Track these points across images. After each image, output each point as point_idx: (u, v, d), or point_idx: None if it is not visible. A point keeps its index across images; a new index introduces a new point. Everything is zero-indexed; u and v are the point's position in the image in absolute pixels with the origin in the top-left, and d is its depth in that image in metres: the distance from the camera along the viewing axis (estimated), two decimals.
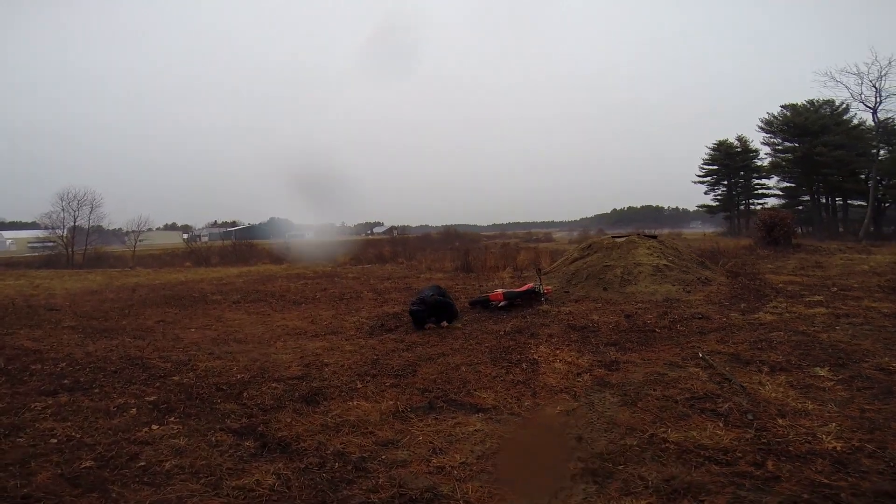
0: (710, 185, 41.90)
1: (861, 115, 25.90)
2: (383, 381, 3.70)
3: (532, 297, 7.38)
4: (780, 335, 5.22)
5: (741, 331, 5.52)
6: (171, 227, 73.26)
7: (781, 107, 29.67)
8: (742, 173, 39.42)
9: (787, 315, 6.26)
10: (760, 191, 39.71)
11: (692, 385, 3.68)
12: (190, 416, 3.09)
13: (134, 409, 3.25)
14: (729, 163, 37.37)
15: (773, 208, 23.16)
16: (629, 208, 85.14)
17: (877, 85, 20.97)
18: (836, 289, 8.11)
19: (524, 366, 4.22)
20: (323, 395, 3.37)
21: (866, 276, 10.04)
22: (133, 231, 23.63)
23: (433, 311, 5.59)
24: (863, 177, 27.42)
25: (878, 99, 21.36)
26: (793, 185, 33.59)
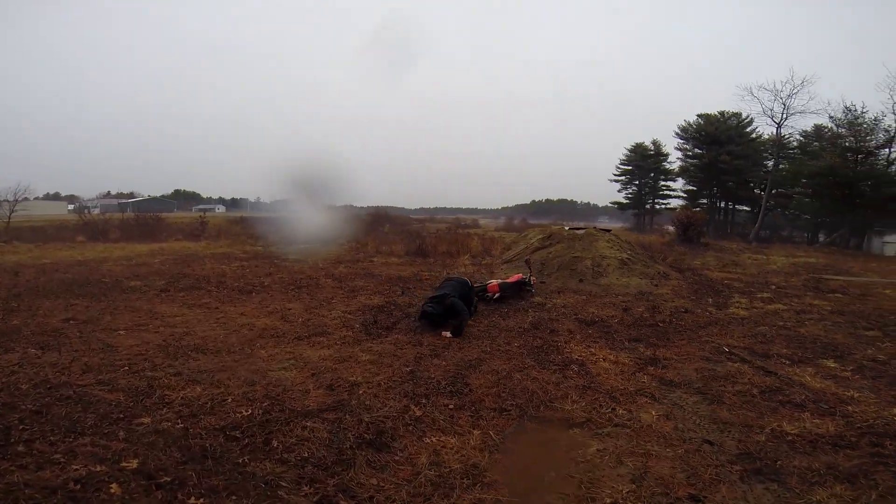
0: (624, 184, 46.30)
1: (760, 129, 30.61)
2: (442, 403, 3.14)
3: (521, 288, 7.29)
4: (766, 329, 5.79)
5: (731, 325, 6.01)
6: (54, 198, 60.89)
7: (697, 115, 33.84)
8: (652, 175, 44.16)
9: (755, 310, 7.00)
10: (666, 192, 45.22)
11: (750, 379, 3.90)
12: (218, 495, 2.02)
13: (113, 489, 1.97)
14: (642, 164, 41.55)
15: (688, 208, 26.25)
16: (547, 200, 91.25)
17: (786, 102, 24.66)
18: (774, 287, 9.32)
19: (574, 367, 4.05)
20: (387, 434, 2.66)
21: (780, 275, 11.80)
22: (6, 200, 18.23)
23: (448, 315, 4.95)
24: (752, 185, 32.49)
25: (784, 115, 25.18)
26: (695, 188, 38.48)
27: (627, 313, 6.40)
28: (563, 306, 6.71)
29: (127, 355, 3.82)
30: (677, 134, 35.57)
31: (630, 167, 42.54)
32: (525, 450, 2.60)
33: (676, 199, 44.75)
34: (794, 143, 29.30)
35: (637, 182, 44.93)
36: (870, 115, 22.07)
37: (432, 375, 3.57)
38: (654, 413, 3.14)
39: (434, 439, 2.63)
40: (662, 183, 44.19)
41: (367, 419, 2.74)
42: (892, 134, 20.65)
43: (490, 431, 2.75)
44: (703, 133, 32.78)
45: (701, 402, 3.43)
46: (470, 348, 4.40)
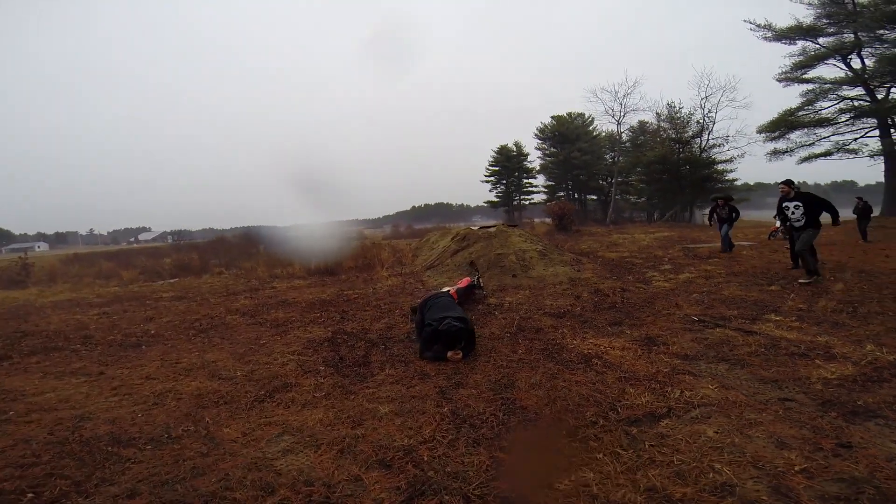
0: (494, 184, 49.90)
1: (600, 126, 35.85)
2: (523, 439, 2.54)
3: (472, 291, 6.95)
4: (699, 296, 6.44)
5: (669, 297, 6.55)
6: None
7: (551, 117, 38.11)
8: (516, 173, 48.49)
9: (673, 281, 7.84)
10: (529, 188, 50.12)
11: (744, 340, 4.25)
12: None
13: None
14: (508, 164, 45.28)
15: (561, 201, 29.28)
16: (425, 205, 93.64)
17: (622, 101, 29.15)
18: (667, 260, 10.69)
19: (596, 361, 3.82)
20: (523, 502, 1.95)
21: (657, 249, 13.74)
22: None
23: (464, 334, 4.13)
24: (598, 177, 37.95)
25: (622, 113, 29.75)
26: (553, 183, 43.39)
27: (580, 300, 6.52)
28: (519, 303, 6.54)
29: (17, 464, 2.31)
30: (536, 135, 39.63)
31: (498, 168, 45.87)
32: (665, 455, 2.26)
33: (538, 195, 50.27)
34: (626, 138, 35.22)
35: (504, 181, 48.77)
36: (685, 110, 27.65)
37: (478, 409, 2.91)
38: (711, 388, 3.13)
39: (569, 482, 2.06)
40: (526, 180, 48.89)
41: (476, 492, 1.99)
42: (703, 125, 26.20)
43: (616, 449, 2.30)
44: (556, 133, 37.13)
45: (732, 368, 3.55)
46: (480, 366, 3.82)
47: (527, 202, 51.92)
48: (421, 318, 4.55)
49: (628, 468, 2.16)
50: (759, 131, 21.26)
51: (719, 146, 26.66)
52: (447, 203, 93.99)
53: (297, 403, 3.14)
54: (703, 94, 27.86)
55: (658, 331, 4.74)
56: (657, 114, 29.59)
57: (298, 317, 6.45)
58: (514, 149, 43.93)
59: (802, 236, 7.04)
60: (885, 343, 4.01)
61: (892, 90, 17.60)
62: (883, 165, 18.20)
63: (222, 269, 13.31)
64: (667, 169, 27.52)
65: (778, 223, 13.36)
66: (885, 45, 15.71)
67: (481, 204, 57.18)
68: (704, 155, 27.05)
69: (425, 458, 2.26)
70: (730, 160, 26.79)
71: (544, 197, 46.67)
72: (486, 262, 9.66)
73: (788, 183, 7.33)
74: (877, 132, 18.15)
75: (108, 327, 6.19)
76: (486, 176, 46.59)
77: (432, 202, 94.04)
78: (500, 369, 3.64)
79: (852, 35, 17.18)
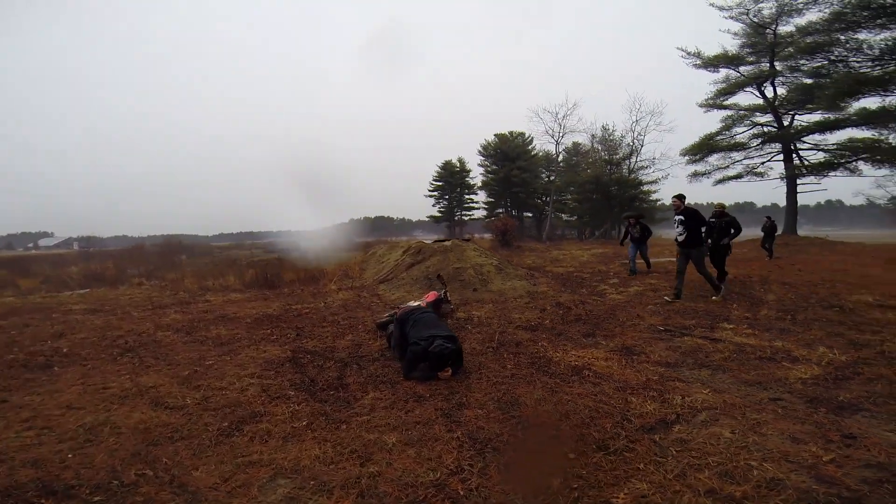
0: (437, 199, 50.32)
1: (538, 146, 37.61)
2: (557, 455, 2.37)
3: (439, 305, 6.69)
4: (655, 307, 6.76)
5: (629, 307, 6.81)
6: None
7: (495, 135, 39.32)
8: (458, 189, 49.33)
9: (625, 294, 8.19)
10: (470, 204, 51.19)
11: (714, 347, 4.48)
12: None
13: None
14: (451, 180, 45.95)
15: (505, 217, 30.05)
16: (365, 218, 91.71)
17: (562, 122, 30.72)
18: (612, 274, 11.22)
19: (587, 373, 3.79)
20: None
21: (598, 264, 14.45)
22: None
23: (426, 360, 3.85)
24: (535, 195, 39.64)
25: (561, 133, 31.33)
26: (493, 200, 44.62)
27: (546, 313, 6.55)
28: (488, 317, 6.43)
29: None
30: (480, 152, 40.68)
31: (441, 183, 46.33)
32: (700, 458, 2.27)
33: (479, 211, 51.50)
34: (561, 158, 37.33)
35: (447, 196, 49.35)
36: (618, 133, 29.87)
37: (494, 430, 2.69)
38: (705, 392, 3.24)
39: (625, 496, 1.98)
40: (467, 196, 49.87)
41: None
42: (632, 147, 28.46)
43: (654, 458, 2.27)
44: (498, 150, 38.38)
45: (714, 373, 3.72)
46: (474, 384, 3.60)
47: (467, 217, 52.95)
48: (401, 335, 4.22)
49: (677, 474, 2.14)
50: (683, 154, 23.59)
51: (646, 168, 29.19)
52: (388, 216, 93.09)
53: (274, 436, 2.69)
54: (633, 118, 30.48)
55: (631, 341, 4.84)
56: (592, 135, 31.74)
57: (245, 334, 5.79)
58: (458, 165, 44.72)
59: (694, 257, 7.15)
60: (832, 345, 4.41)
61: (797, 117, 20.47)
62: (786, 188, 20.98)
63: (142, 280, 11.87)
64: (599, 189, 29.47)
65: None
66: (797, 75, 18.36)
67: (423, 218, 57.26)
68: (633, 176, 29.41)
69: (461, 493, 1.99)
70: (655, 181, 29.39)
71: (484, 213, 47.94)
72: (446, 277, 9.48)
73: (680, 197, 7.31)
74: (781, 156, 20.94)
75: (5, 344, 5.14)
76: (429, 191, 46.82)
77: (372, 215, 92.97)
78: (497, 386, 3.45)
79: (768, 65, 19.82)
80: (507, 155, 37.67)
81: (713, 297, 7.13)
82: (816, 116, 18.72)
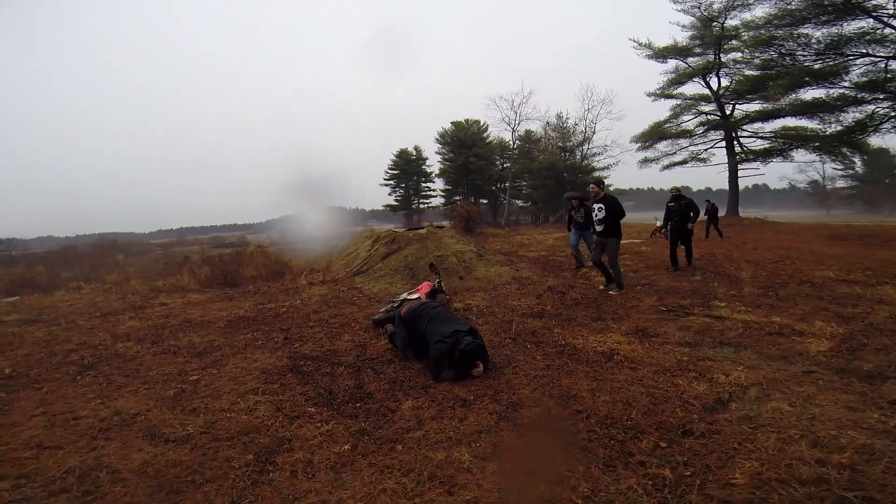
0: (393, 188, 49.38)
1: (493, 133, 37.77)
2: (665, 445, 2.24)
3: (435, 296, 6.41)
4: (643, 288, 6.88)
5: (621, 289, 6.85)
6: None
7: (451, 123, 38.90)
8: (415, 177, 48.67)
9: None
10: (427, 192, 50.72)
11: (723, 325, 4.59)
12: None
13: None
14: (408, 168, 45.19)
15: (467, 204, 29.95)
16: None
17: (517, 110, 30.90)
18: (586, 258, 11.38)
19: (616, 358, 3.71)
20: None
21: (564, 247, 14.69)
22: None
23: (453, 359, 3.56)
24: (491, 182, 39.93)
25: (517, 121, 31.51)
26: (450, 187, 44.42)
27: (543, 299, 6.47)
28: (487, 306, 6.24)
29: None
30: (437, 140, 40.22)
31: (397, 171, 45.45)
32: (781, 432, 2.29)
33: (436, 199, 51.20)
34: (514, 145, 37.78)
35: (404, 185, 48.54)
36: (571, 121, 30.59)
37: (573, 428, 2.52)
38: (740, 369, 3.28)
39: (742, 475, 1.93)
40: (424, 184, 49.32)
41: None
42: (585, 135, 29.28)
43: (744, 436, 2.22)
44: (455, 138, 38.11)
45: (738, 349, 3.81)
46: (512, 379, 3.38)
47: (424, 206, 52.46)
48: (411, 333, 3.94)
49: (777, 449, 2.15)
50: (634, 141, 24.61)
51: (598, 154, 30.18)
52: (341, 207, 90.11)
53: (320, 467, 2.30)
54: (586, 107, 31.36)
55: (640, 323, 4.85)
56: (547, 123, 32.28)
57: (223, 340, 5.21)
58: (414, 153, 44.00)
59: (609, 248, 6.61)
60: (824, 319, 4.63)
61: (737, 107, 21.95)
62: (728, 172, 22.48)
63: (81, 284, 10.58)
64: (554, 175, 30.14)
65: (659, 223, 15.38)
66: (740, 66, 19.65)
67: (378, 207, 56.08)
68: (585, 162, 30.34)
69: (581, 502, 1.76)
70: (607, 167, 30.47)
71: (441, 201, 47.71)
72: (427, 265, 9.18)
73: (599, 183, 6.91)
74: (723, 143, 22.38)
75: None
76: (385, 179, 45.81)
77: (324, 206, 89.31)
78: (538, 379, 3.27)
79: (714, 57, 20.97)
80: (464, 142, 37.52)
81: (606, 289, 6.73)
82: (756, 106, 20.19)
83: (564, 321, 5.09)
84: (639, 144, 24.57)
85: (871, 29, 12.91)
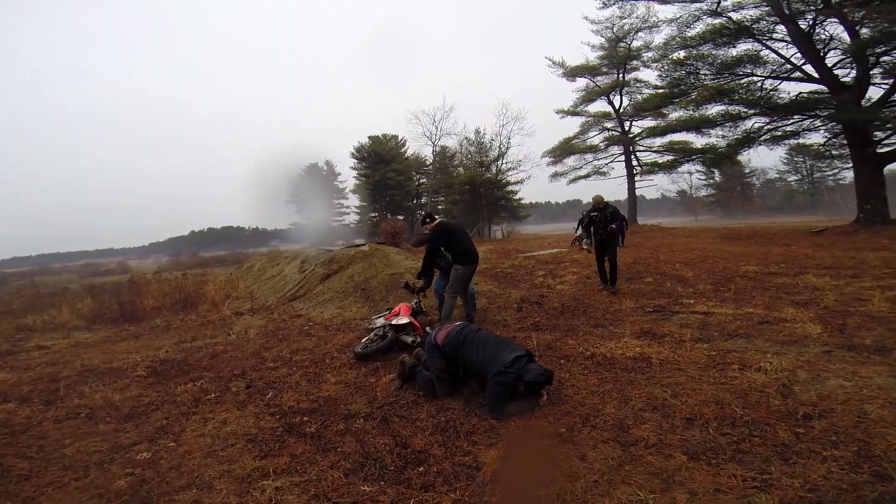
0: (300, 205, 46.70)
1: (412, 149, 37.81)
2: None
3: (415, 316, 5.80)
4: (607, 293, 7.05)
5: (588, 296, 6.99)
6: None
7: (369, 137, 37.91)
8: (325, 194, 46.65)
9: (569, 283, 8.47)
10: (340, 209, 48.88)
11: (714, 319, 4.81)
12: None
13: None
14: (317, 184, 43.14)
15: (393, 220, 29.27)
16: (210, 230, 79.53)
17: (439, 125, 31.15)
18: (530, 268, 11.62)
19: (654, 362, 3.59)
20: None
21: (500, 259, 14.92)
22: None
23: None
24: (409, 197, 39.80)
25: (438, 135, 31.75)
26: (365, 204, 43.22)
27: (525, 311, 6.28)
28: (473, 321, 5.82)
29: None
30: (353, 154, 38.98)
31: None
32: (871, 408, 2.16)
33: (350, 215, 49.51)
34: (429, 161, 38.24)
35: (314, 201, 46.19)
36: (488, 136, 31.77)
37: (704, 443, 2.27)
38: (770, 356, 3.41)
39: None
40: (337, 201, 47.45)
41: None
42: (501, 150, 30.53)
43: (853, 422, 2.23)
44: (373, 153, 37.32)
45: (749, 339, 4.02)
46: (575, 398, 3.03)
47: (337, 223, 50.44)
48: (448, 364, 3.34)
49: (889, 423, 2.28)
50: (545, 155, 26.36)
51: (513, 169, 31.72)
52: (238, 227, 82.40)
53: None
54: (501, 122, 32.85)
55: (641, 325, 4.86)
56: (466, 138, 33.17)
57: (157, 395, 4.09)
58: (325, 168, 42.16)
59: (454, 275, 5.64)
60: (787, 306, 5.05)
61: (635, 123, 24.88)
62: (626, 184, 25.10)
63: None
64: (472, 190, 31.00)
65: (578, 233, 16.28)
66: (639, 86, 22.02)
67: (285, 227, 52.51)
68: (501, 177, 31.70)
69: None
70: (520, 181, 32.16)
71: (356, 217, 46.21)
72: (382, 285, 8.50)
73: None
74: (623, 158, 24.95)
75: None
76: (292, 196, 43.07)
77: (218, 226, 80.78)
78: (607, 395, 3.01)
79: (620, 76, 23.28)
80: (382, 157, 36.91)
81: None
82: (650, 122, 22.97)
83: (569, 332, 4.90)
84: (550, 159, 26.35)
85: (755, 51, 15.50)
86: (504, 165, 31.49)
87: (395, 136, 38.11)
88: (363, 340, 4.95)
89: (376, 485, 2.21)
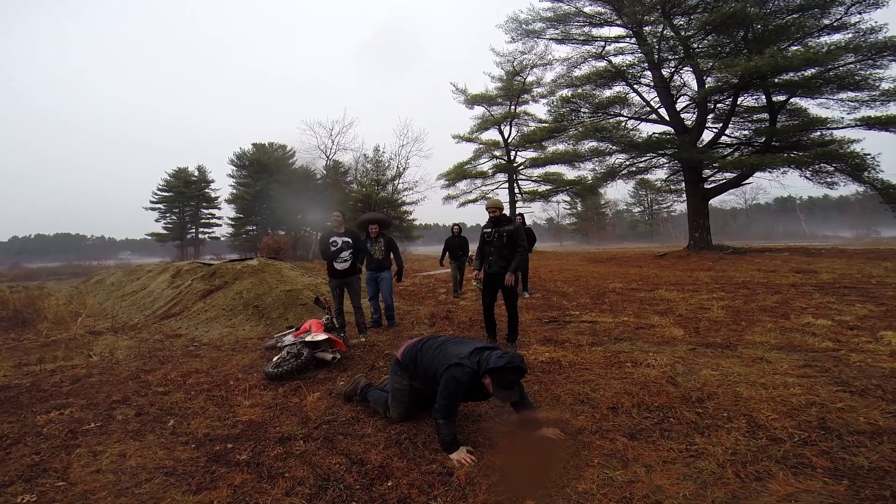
0: (163, 213, 40.91)
1: (302, 161, 35.85)
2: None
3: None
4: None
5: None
6: None
7: (252, 144, 34.74)
8: (193, 203, 41.55)
9: (471, 300, 8.93)
10: (210, 220, 43.75)
11: (615, 323, 5.46)
12: None
13: None
14: (185, 191, 38.28)
15: (276, 235, 27.08)
16: (39, 236, 63.74)
17: (335, 139, 30.07)
18: (430, 286, 11.91)
19: (565, 363, 4.00)
20: None
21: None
22: None
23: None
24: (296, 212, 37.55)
25: (333, 149, 30.61)
26: (242, 216, 39.52)
27: (436, 325, 6.46)
28: (390, 340, 5.73)
29: None
30: (232, 161, 35.40)
31: (171, 194, 37.89)
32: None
33: (222, 227, 44.62)
34: (319, 176, 36.80)
35: (178, 210, 40.75)
36: (387, 155, 31.80)
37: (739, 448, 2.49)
38: (652, 355, 3.94)
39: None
40: (207, 211, 42.46)
41: None
42: (399, 170, 30.77)
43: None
44: (256, 162, 34.45)
45: (633, 342, 4.71)
46: (505, 405, 3.19)
47: (206, 235, 45.01)
48: (412, 379, 2.95)
49: (761, 393, 2.92)
50: (439, 178, 27.51)
51: (409, 189, 32.23)
52: (78, 234, 67.71)
53: None
54: (401, 142, 33.24)
55: (543, 333, 5.40)
56: (364, 155, 32.72)
57: (14, 428, 3.27)
58: (196, 174, 37.57)
59: (354, 288, 5.90)
60: (652, 314, 6.06)
61: (519, 154, 27.36)
62: (509, 210, 27.42)
63: None
64: (367, 207, 30.69)
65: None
66: (526, 119, 24.30)
67: (137, 237, 45.13)
68: (397, 196, 31.98)
69: None
70: (415, 202, 32.80)
71: (230, 230, 41.83)
72: (278, 302, 7.90)
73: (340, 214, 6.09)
74: (507, 185, 27.30)
75: None
76: (152, 202, 37.40)
77: (50, 233, 65.06)
78: (539, 394, 3.21)
79: (512, 107, 25.37)
80: (267, 167, 34.30)
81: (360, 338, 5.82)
82: (531, 153, 25.71)
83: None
84: (444, 182, 27.59)
85: (624, 93, 18.46)
86: (401, 185, 31.90)
87: (284, 146, 35.91)
88: (274, 360, 4.56)
89: None
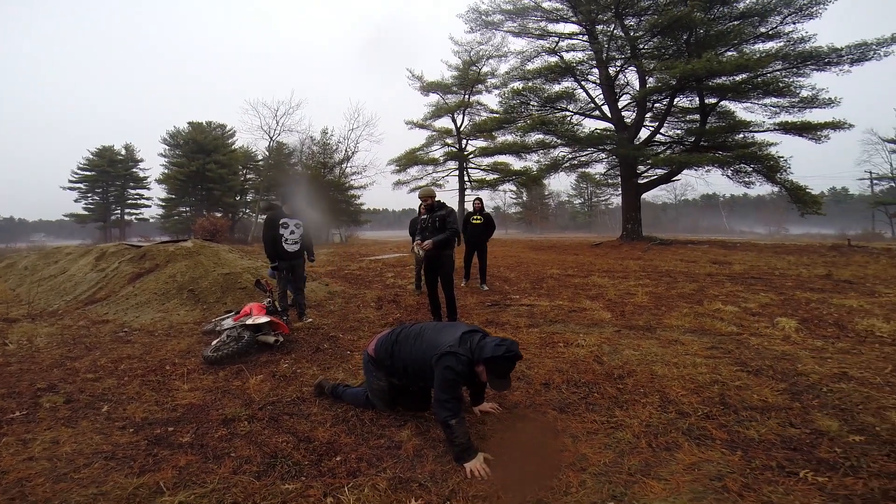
0: (83, 193, 37.11)
1: (243, 142, 33.78)
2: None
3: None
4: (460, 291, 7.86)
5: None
6: None
7: (188, 123, 32.00)
8: (119, 183, 38.07)
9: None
10: (137, 201, 40.25)
11: (543, 309, 5.74)
12: None
13: None
14: (110, 170, 34.89)
15: (213, 216, 25.32)
16: None
17: (280, 120, 28.54)
18: (379, 271, 11.89)
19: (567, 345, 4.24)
20: None
21: (344, 262, 14.84)
22: None
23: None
24: (232, 192, 35.52)
25: (278, 130, 29.05)
26: (174, 196, 36.72)
27: (383, 308, 6.54)
28: (337, 324, 5.69)
29: None
30: (164, 140, 32.55)
31: (93, 173, 34.35)
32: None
33: (150, 209, 41.24)
34: (268, 157, 35.03)
35: (101, 190, 37.08)
36: (335, 138, 30.73)
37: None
38: (582, 336, 4.31)
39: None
40: (135, 191, 38.98)
41: None
42: (347, 154, 29.90)
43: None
44: (191, 140, 31.96)
45: (565, 324, 4.95)
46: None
47: (133, 217, 41.38)
48: (388, 375, 2.75)
49: (674, 371, 3.11)
50: (390, 163, 27.19)
51: (357, 174, 31.52)
52: None
53: None
54: (351, 126, 32.20)
55: (485, 316, 5.68)
56: (311, 137, 31.40)
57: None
58: (124, 152, 34.25)
59: (299, 271, 5.97)
60: (584, 299, 6.52)
61: (470, 143, 27.55)
62: (458, 197, 27.83)
63: None
64: (313, 191, 29.68)
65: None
66: (479, 108, 24.46)
67: (59, 217, 40.70)
68: (344, 180, 31.18)
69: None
70: (363, 187, 32.18)
71: (160, 212, 38.73)
72: (215, 286, 7.56)
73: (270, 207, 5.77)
74: (457, 173, 27.55)
75: None
76: (71, 181, 33.75)
77: None
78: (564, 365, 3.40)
79: (466, 96, 25.33)
80: (203, 146, 31.94)
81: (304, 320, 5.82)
82: (481, 143, 26.03)
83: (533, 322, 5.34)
84: (395, 167, 27.29)
85: (572, 89, 19.16)
86: (349, 169, 31.10)
87: (223, 126, 33.60)
88: (213, 343, 4.44)
89: (298, 481, 2.12)
